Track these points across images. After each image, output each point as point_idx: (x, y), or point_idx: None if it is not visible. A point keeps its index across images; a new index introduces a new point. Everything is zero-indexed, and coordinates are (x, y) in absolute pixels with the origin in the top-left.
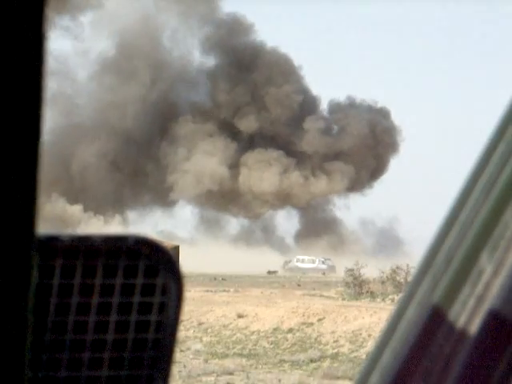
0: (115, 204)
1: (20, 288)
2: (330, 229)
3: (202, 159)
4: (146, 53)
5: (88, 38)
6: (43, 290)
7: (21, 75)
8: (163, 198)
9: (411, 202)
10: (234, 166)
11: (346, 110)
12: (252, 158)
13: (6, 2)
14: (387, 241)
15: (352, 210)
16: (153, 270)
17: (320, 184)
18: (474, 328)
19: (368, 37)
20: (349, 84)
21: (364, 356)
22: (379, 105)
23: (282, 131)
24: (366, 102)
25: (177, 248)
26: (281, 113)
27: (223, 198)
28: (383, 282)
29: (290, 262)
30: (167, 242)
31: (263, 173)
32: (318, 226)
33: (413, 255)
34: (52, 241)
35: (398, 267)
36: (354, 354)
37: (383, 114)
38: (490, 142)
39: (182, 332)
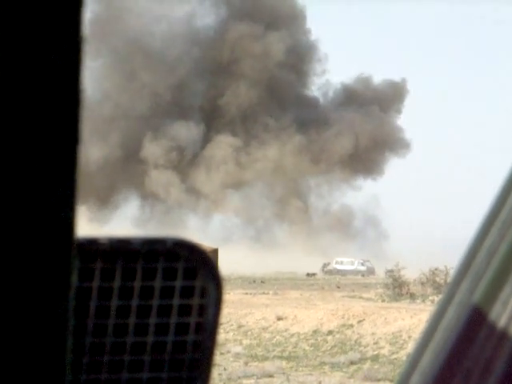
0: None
1: (60, 291)
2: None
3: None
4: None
5: None
6: (83, 293)
7: (59, 78)
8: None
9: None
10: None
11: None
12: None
13: (44, 4)
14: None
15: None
16: (191, 273)
17: None
18: None
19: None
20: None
21: (404, 358)
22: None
23: None
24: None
25: (215, 250)
26: None
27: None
28: (423, 284)
29: (328, 264)
30: (206, 245)
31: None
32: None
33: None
34: (91, 244)
35: (436, 268)
36: (395, 355)
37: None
38: None
39: (222, 335)
